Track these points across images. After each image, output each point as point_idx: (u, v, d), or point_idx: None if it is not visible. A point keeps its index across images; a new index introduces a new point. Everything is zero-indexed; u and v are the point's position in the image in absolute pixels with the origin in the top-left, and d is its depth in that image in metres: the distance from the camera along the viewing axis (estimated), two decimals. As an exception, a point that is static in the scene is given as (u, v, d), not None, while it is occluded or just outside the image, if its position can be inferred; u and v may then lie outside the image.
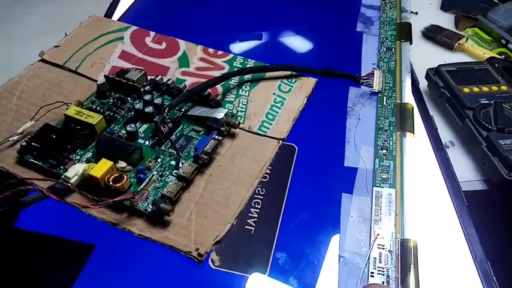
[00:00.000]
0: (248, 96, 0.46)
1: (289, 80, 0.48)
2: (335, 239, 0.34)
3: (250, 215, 0.36)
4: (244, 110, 0.44)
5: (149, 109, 0.41)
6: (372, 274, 0.32)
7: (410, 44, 0.53)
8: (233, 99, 0.45)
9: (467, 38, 0.56)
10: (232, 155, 0.40)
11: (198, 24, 0.58)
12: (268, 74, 0.48)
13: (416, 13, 0.62)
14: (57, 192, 0.34)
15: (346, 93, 0.47)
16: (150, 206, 0.34)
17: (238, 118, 0.43)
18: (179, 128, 0.41)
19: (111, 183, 0.34)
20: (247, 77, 0.48)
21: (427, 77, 0.49)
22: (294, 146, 0.41)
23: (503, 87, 0.45)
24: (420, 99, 0.47)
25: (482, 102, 0.43)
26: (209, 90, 0.44)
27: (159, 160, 0.38)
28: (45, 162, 0.37)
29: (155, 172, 0.37)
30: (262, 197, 0.37)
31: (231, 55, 0.51)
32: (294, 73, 0.48)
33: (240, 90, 0.46)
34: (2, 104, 0.44)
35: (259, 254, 0.33)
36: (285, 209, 0.36)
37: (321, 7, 0.61)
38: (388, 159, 0.39)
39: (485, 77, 0.47)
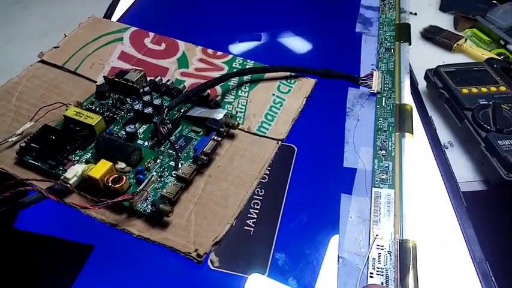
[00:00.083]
0: (247, 97, 0.46)
1: (289, 80, 0.48)
2: (334, 240, 0.34)
3: (249, 215, 0.36)
4: (243, 110, 0.44)
5: (148, 110, 0.41)
6: (371, 275, 0.32)
7: (410, 44, 0.53)
8: (232, 100, 0.45)
9: (466, 39, 0.57)
10: (232, 156, 0.40)
11: (198, 25, 0.58)
12: (268, 75, 0.48)
13: (416, 14, 0.62)
14: (57, 193, 0.34)
15: (345, 94, 0.47)
16: (149, 206, 0.34)
17: (238, 119, 0.43)
18: (178, 129, 0.41)
19: (110, 184, 0.34)
20: (246, 77, 0.48)
21: (426, 77, 0.49)
22: (293, 146, 0.41)
23: (502, 88, 0.45)
24: (419, 99, 0.48)
25: (481, 102, 0.43)
26: (208, 91, 0.44)
27: (158, 161, 0.38)
28: (44, 163, 0.37)
29: (154, 173, 0.37)
30: (261, 198, 0.37)
31: (230, 56, 0.51)
32: (293, 74, 0.49)
33: (239, 91, 0.47)
34: (1, 105, 0.44)
35: (258, 254, 0.33)
36: (284, 210, 0.36)
37: (320, 8, 0.61)
38: (387, 160, 0.39)
39: (484, 78, 0.47)
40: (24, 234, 0.35)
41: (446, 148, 0.44)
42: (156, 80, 0.45)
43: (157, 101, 0.42)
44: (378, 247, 0.33)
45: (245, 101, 0.45)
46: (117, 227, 0.34)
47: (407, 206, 0.36)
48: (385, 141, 0.41)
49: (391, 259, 0.32)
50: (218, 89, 0.47)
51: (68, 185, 0.34)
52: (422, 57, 0.54)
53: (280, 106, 0.45)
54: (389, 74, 0.49)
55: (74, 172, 0.35)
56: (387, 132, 0.42)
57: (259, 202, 0.37)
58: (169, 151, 0.39)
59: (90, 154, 0.38)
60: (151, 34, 0.54)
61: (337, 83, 0.49)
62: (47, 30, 0.61)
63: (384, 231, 0.34)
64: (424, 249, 0.33)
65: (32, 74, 0.48)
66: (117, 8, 0.61)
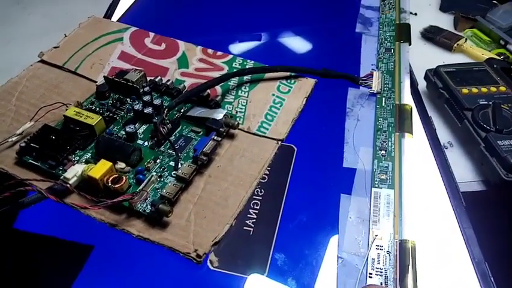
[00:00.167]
0: (247, 97, 0.46)
1: (288, 80, 0.48)
2: (333, 240, 0.34)
3: (249, 216, 0.36)
4: (243, 110, 0.44)
5: (148, 110, 0.41)
6: (370, 275, 0.32)
7: (410, 44, 0.53)
8: (232, 100, 0.45)
9: (466, 39, 0.57)
10: (231, 156, 0.40)
11: (198, 25, 0.58)
12: (268, 75, 0.48)
13: (416, 14, 0.62)
14: (56, 193, 0.34)
15: (345, 94, 0.47)
16: (149, 206, 0.34)
17: (238, 119, 0.43)
18: (178, 129, 0.41)
19: (110, 184, 0.34)
20: (246, 77, 0.48)
21: (426, 77, 0.49)
22: (293, 146, 0.41)
23: (502, 88, 0.45)
24: (419, 100, 0.48)
25: (480, 103, 0.43)
26: (208, 91, 0.44)
27: (158, 161, 0.38)
28: (44, 163, 0.37)
29: (154, 173, 0.37)
30: (261, 198, 0.37)
31: (231, 56, 0.51)
32: (293, 74, 0.49)
33: (239, 91, 0.47)
34: (1, 105, 0.44)
35: (258, 255, 0.33)
36: (284, 210, 0.36)
37: (320, 8, 0.61)
38: (386, 160, 0.39)
39: (484, 78, 0.47)
40: (24, 234, 0.35)
41: (446, 148, 0.44)
42: (156, 80, 0.45)
43: (157, 101, 0.42)
44: (377, 247, 0.33)
45: (245, 101, 0.45)
46: (116, 227, 0.34)
47: (407, 207, 0.36)
48: (385, 142, 0.41)
49: (390, 259, 0.32)
50: (218, 89, 0.47)
51: (68, 185, 0.34)
52: (422, 57, 0.54)
53: (280, 106, 0.45)
54: (389, 74, 0.49)
55: (73, 172, 0.35)
56: (387, 132, 0.42)
57: (259, 202, 0.37)
58: (169, 151, 0.39)
59: (90, 154, 0.39)
60: (152, 34, 0.54)
61: (337, 83, 0.49)
62: (47, 30, 0.61)
63: (383, 232, 0.34)
64: (423, 249, 0.33)
65: (32, 74, 0.48)
66: (117, 7, 0.61)
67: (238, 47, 0.54)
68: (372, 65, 0.51)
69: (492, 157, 0.39)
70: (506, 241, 0.36)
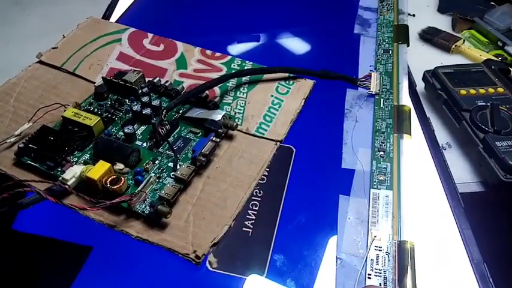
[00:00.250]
0: (246, 98, 0.46)
1: (287, 82, 0.48)
2: (332, 241, 0.34)
3: (247, 216, 0.36)
4: (242, 111, 0.44)
5: (147, 111, 0.41)
6: (369, 276, 0.32)
7: (408, 46, 0.53)
8: (231, 101, 0.45)
9: (464, 40, 0.57)
10: (230, 157, 0.40)
11: (196, 26, 0.58)
12: (266, 76, 0.48)
13: (414, 15, 0.62)
14: (55, 194, 0.34)
15: (343, 95, 0.47)
16: (147, 208, 0.34)
17: (236, 120, 0.43)
18: (177, 130, 0.41)
19: (108, 185, 0.34)
20: (245, 79, 0.48)
21: (424, 79, 0.49)
22: (292, 147, 0.41)
23: (500, 89, 0.45)
24: (417, 101, 0.48)
25: (479, 104, 0.43)
26: (207, 92, 0.44)
27: (156, 162, 0.38)
28: (42, 164, 0.37)
29: (153, 174, 0.37)
30: (259, 199, 0.37)
31: (229, 57, 0.51)
32: (291, 75, 0.49)
33: (238, 92, 0.47)
34: (0, 106, 0.44)
35: (256, 255, 0.33)
36: (283, 211, 0.36)
37: (319, 9, 0.61)
38: (385, 161, 0.40)
39: (482, 79, 0.47)
40: (22, 235, 0.35)
41: (444, 149, 0.44)
42: (155, 81, 0.45)
43: (155, 102, 0.42)
44: (376, 248, 0.33)
45: (244, 102, 0.45)
46: (115, 228, 0.34)
47: (406, 207, 0.36)
48: (383, 143, 0.41)
49: (389, 260, 0.33)
50: (217, 90, 0.47)
51: (66, 186, 0.34)
52: (421, 58, 0.54)
53: (279, 107, 0.45)
54: (387, 75, 0.49)
55: (72, 173, 0.35)
56: (385, 133, 0.42)
57: (258, 203, 0.37)
58: (167, 152, 0.39)
59: (88, 155, 0.38)
60: (150, 35, 0.54)
61: (336, 84, 0.49)
62: (46, 31, 0.61)
63: (382, 233, 0.34)
64: (422, 250, 0.33)
65: (30, 75, 0.48)
66: (116, 8, 0.61)
67: (236, 48, 0.54)
68: (370, 66, 0.51)
69: (490, 158, 0.39)
70: (504, 242, 0.36)
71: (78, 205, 0.34)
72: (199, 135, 0.41)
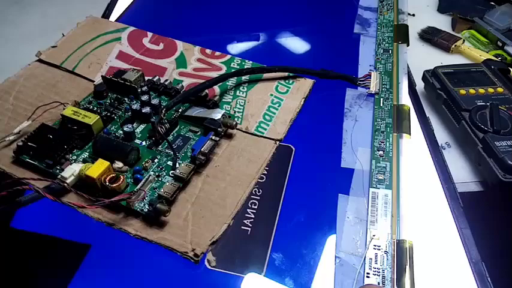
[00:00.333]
0: (245, 97, 0.46)
1: (287, 81, 0.48)
2: (331, 240, 0.34)
3: (246, 215, 0.36)
4: (241, 110, 0.44)
5: (146, 110, 0.41)
6: (368, 275, 0.32)
7: (408, 45, 0.53)
8: (230, 100, 0.45)
9: (463, 40, 0.57)
10: (229, 156, 0.40)
11: (196, 25, 0.58)
12: (266, 75, 0.48)
13: (414, 15, 0.62)
14: (53, 192, 0.34)
15: (343, 95, 0.47)
16: (146, 206, 0.34)
17: (236, 119, 0.43)
18: (176, 129, 0.41)
19: (107, 184, 0.34)
20: (244, 78, 0.48)
21: (424, 78, 0.49)
22: (291, 146, 0.41)
23: (500, 89, 0.45)
24: (417, 100, 0.48)
25: (478, 104, 0.43)
26: (206, 91, 0.44)
27: (156, 160, 0.38)
28: (41, 162, 0.37)
29: (152, 172, 0.37)
30: (259, 198, 0.37)
31: (229, 56, 0.51)
32: (291, 74, 0.49)
33: (238, 91, 0.47)
34: (-1, 104, 0.44)
35: (255, 254, 0.33)
36: (282, 210, 0.36)
37: (319, 9, 0.61)
38: (384, 161, 0.40)
39: (482, 79, 0.47)
40: (21, 233, 0.35)
41: (444, 149, 0.44)
42: (154, 79, 0.45)
43: (155, 101, 0.42)
44: (375, 247, 0.33)
45: (243, 101, 0.45)
46: (114, 227, 0.34)
47: (405, 207, 0.36)
48: (383, 142, 0.41)
49: (387, 259, 0.33)
50: (216, 89, 0.47)
51: (65, 184, 0.34)
52: (420, 58, 0.55)
53: (278, 106, 0.45)
54: (387, 74, 0.49)
55: (71, 171, 0.35)
56: (385, 132, 0.42)
57: (257, 202, 0.37)
58: (167, 151, 0.39)
59: (87, 153, 0.38)
60: (150, 34, 0.54)
61: (335, 84, 0.49)
62: (45, 30, 0.61)
63: (381, 232, 0.34)
64: (420, 249, 0.33)
65: (29, 73, 0.48)
66: (116, 7, 0.61)
67: (236, 47, 0.54)
68: (370, 65, 0.51)
69: (489, 158, 0.39)
70: (503, 241, 0.36)
71: (77, 203, 0.33)
72: (198, 134, 0.41)
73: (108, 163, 0.35)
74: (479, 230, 0.35)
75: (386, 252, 0.33)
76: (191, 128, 0.41)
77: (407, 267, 0.32)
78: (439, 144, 0.43)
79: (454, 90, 0.45)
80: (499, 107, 0.43)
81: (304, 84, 0.48)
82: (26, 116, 0.42)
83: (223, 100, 0.45)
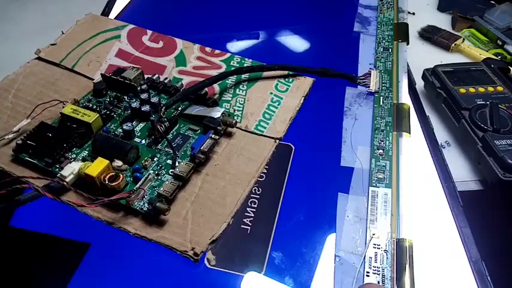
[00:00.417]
0: (245, 95, 0.46)
1: (286, 79, 0.48)
2: (331, 239, 0.34)
3: (246, 214, 0.36)
4: (241, 109, 0.44)
5: (146, 108, 0.41)
6: (368, 273, 0.32)
7: (407, 44, 0.53)
8: (230, 99, 0.45)
9: (463, 39, 0.57)
10: (229, 154, 0.40)
11: (196, 23, 0.58)
12: (266, 74, 0.48)
13: (414, 13, 0.62)
14: (53, 191, 0.34)
15: (343, 93, 0.47)
16: (146, 205, 0.34)
17: (235, 117, 0.43)
18: (176, 127, 0.41)
19: (107, 182, 0.34)
20: (244, 76, 0.48)
21: (424, 77, 0.49)
22: (291, 145, 0.41)
23: (499, 88, 0.45)
24: (416, 99, 0.48)
25: (478, 102, 0.43)
26: (206, 89, 0.44)
27: (155, 159, 0.38)
28: (40, 160, 0.37)
29: (151, 171, 0.37)
30: (258, 197, 0.37)
31: (228, 54, 0.51)
32: (291, 73, 0.48)
33: (237, 90, 0.46)
34: (-2, 102, 0.44)
35: (255, 253, 0.33)
36: (281, 209, 0.36)
37: (319, 7, 0.61)
38: (384, 159, 0.40)
39: (482, 78, 0.47)
40: (20, 232, 0.35)
41: (444, 148, 0.44)
42: (154, 78, 0.45)
43: (154, 99, 0.41)
44: (375, 246, 0.33)
45: (243, 100, 0.45)
46: (113, 225, 0.34)
47: (404, 205, 0.36)
48: (383, 141, 0.41)
49: (387, 258, 0.33)
50: (216, 87, 0.47)
51: (65, 183, 0.34)
52: (420, 56, 0.54)
53: (278, 105, 0.45)
54: (387, 73, 0.49)
55: (70, 170, 0.35)
56: (385, 131, 0.42)
57: (256, 201, 0.37)
58: (166, 149, 0.39)
59: (86, 152, 0.38)
60: (149, 32, 0.54)
61: (335, 82, 0.49)
62: (44, 27, 0.60)
63: (381, 230, 0.34)
64: (420, 248, 0.33)
65: (28, 71, 0.48)
66: (115, 5, 0.61)
67: (236, 46, 0.54)
68: (370, 64, 0.51)
69: (489, 157, 0.39)
70: (503, 240, 0.36)
71: (77, 202, 0.33)
72: (198, 132, 0.41)
73: (107, 162, 0.35)
74: (479, 228, 0.35)
75: (386, 251, 0.33)
76: (191, 126, 0.41)
77: (407, 266, 0.32)
78: (439, 143, 0.43)
79: (454, 89, 0.45)
80: (499, 105, 0.43)
81: (304, 83, 0.48)
82: (25, 114, 0.42)
83: (223, 98, 0.45)
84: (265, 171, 0.39)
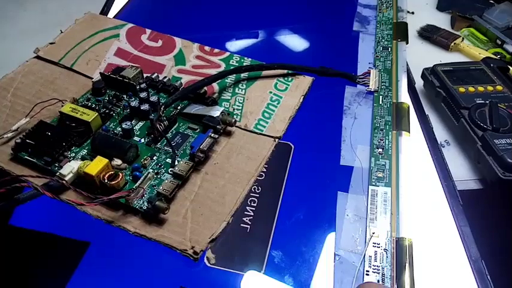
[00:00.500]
0: (244, 94, 0.46)
1: (286, 78, 0.48)
2: (331, 237, 0.34)
3: (246, 213, 0.36)
4: (240, 108, 0.44)
5: (145, 107, 0.41)
6: (367, 272, 0.32)
7: (407, 43, 0.53)
8: (229, 98, 0.45)
9: (463, 38, 0.57)
10: (228, 153, 0.40)
11: (195, 22, 0.58)
12: (265, 73, 0.48)
13: (413, 13, 0.62)
14: (52, 190, 0.34)
15: (342, 92, 0.47)
16: (145, 203, 0.34)
17: (235, 116, 0.43)
18: (175, 126, 0.41)
19: (106, 181, 0.34)
20: (243, 75, 0.48)
21: (423, 76, 0.49)
22: (290, 144, 0.41)
23: (499, 87, 0.45)
24: (416, 98, 0.48)
25: (477, 102, 0.43)
26: (205, 88, 0.43)
27: (154, 158, 0.38)
28: (40, 159, 0.37)
29: (151, 170, 0.37)
30: (258, 195, 0.37)
31: (228, 53, 0.51)
32: (290, 72, 0.48)
33: (237, 89, 0.46)
34: (-3, 101, 0.44)
35: (255, 252, 0.33)
36: (281, 207, 0.36)
37: (318, 6, 0.61)
38: (383, 158, 0.40)
39: (481, 77, 0.47)
40: (19, 231, 0.34)
41: (443, 147, 0.44)
42: (153, 76, 0.45)
43: (153, 98, 0.41)
44: (374, 245, 0.33)
45: (242, 99, 0.45)
46: (113, 224, 0.34)
47: (404, 204, 0.36)
48: (382, 140, 0.41)
49: (387, 257, 0.33)
50: (215, 86, 0.46)
51: (64, 182, 0.34)
52: (420, 56, 0.55)
53: (278, 104, 0.45)
54: (386, 72, 0.49)
55: (69, 169, 0.35)
56: (384, 130, 0.42)
57: (256, 200, 0.37)
58: (165, 148, 0.39)
59: (86, 151, 0.38)
60: (148, 31, 0.54)
61: (335, 81, 0.49)
62: (43, 26, 0.60)
63: (380, 229, 0.34)
64: (420, 247, 0.33)
65: (27, 70, 0.48)
66: (114, 4, 0.61)
67: (235, 45, 0.54)
68: (369, 63, 0.51)
69: (489, 156, 0.39)
70: (502, 239, 0.36)
71: (76, 201, 0.33)
72: (197, 131, 0.41)
73: (106, 160, 0.35)
74: (479, 227, 0.35)
75: (385, 250, 0.33)
76: (190, 125, 0.41)
77: (407, 265, 0.32)
78: (439, 142, 0.43)
79: (453, 88, 0.45)
80: (498, 105, 0.43)
81: (303, 82, 0.48)
82: (24, 113, 0.41)
83: (222, 97, 0.45)
84: (265, 170, 0.39)
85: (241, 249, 0.33)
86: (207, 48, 0.52)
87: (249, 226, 0.35)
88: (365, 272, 0.32)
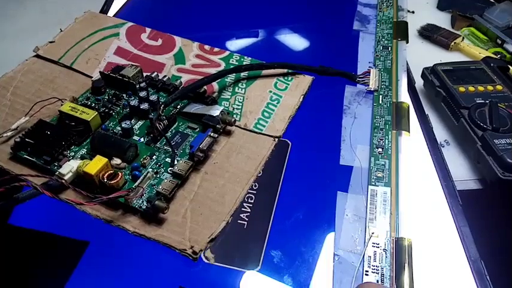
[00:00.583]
0: (244, 93, 0.46)
1: (286, 77, 0.48)
2: (330, 237, 0.34)
3: (243, 209, 0.36)
4: (240, 107, 0.44)
5: (144, 106, 0.41)
6: (367, 272, 0.32)
7: (407, 42, 0.53)
8: (229, 97, 0.45)
9: (463, 38, 0.57)
10: (228, 153, 0.40)
11: (195, 21, 0.58)
12: (265, 72, 0.48)
13: (413, 12, 0.62)
14: (51, 189, 0.34)
15: (342, 92, 0.47)
16: (144, 203, 0.34)
17: (234, 116, 0.43)
18: (174, 125, 0.41)
19: (105, 180, 0.34)
20: (243, 74, 0.48)
21: (423, 76, 0.49)
22: (287, 141, 0.41)
23: (499, 87, 0.45)
24: (416, 98, 0.48)
25: (477, 101, 0.43)
26: (205, 87, 0.43)
27: (154, 157, 0.38)
28: (39, 158, 0.37)
29: (150, 169, 0.37)
30: (255, 192, 0.37)
31: (228, 52, 0.51)
32: (290, 71, 0.48)
33: (236, 88, 0.46)
34: (-4, 100, 0.44)
35: (254, 252, 0.33)
36: (280, 207, 0.36)
37: (318, 5, 0.61)
38: (383, 158, 0.39)
39: (481, 77, 0.47)
40: (19, 229, 0.34)
41: (443, 146, 0.44)
42: (153, 75, 0.45)
43: (153, 97, 0.41)
44: (374, 245, 0.33)
45: (242, 98, 0.45)
46: (112, 224, 0.34)
47: (403, 204, 0.36)
48: (382, 139, 0.41)
49: (386, 257, 0.32)
50: (215, 85, 0.46)
51: (63, 181, 0.34)
52: (420, 55, 0.54)
53: (277, 103, 0.45)
54: (386, 72, 0.49)
55: (68, 168, 0.35)
56: (384, 130, 0.42)
57: (253, 196, 0.37)
58: (165, 147, 0.39)
59: (85, 150, 0.38)
60: (148, 29, 0.54)
61: (334, 81, 0.49)
62: (43, 25, 0.60)
63: (380, 229, 0.34)
64: (419, 247, 0.33)
65: (27, 69, 0.48)
66: (114, 3, 0.61)
67: (235, 44, 0.54)
68: (369, 62, 0.51)
69: (488, 156, 0.39)
70: (502, 239, 0.36)
71: (75, 200, 0.33)
72: (197, 130, 0.41)
73: (106, 160, 0.35)
74: (478, 228, 0.35)
75: (385, 250, 0.33)
76: (189, 124, 0.41)
77: (406, 265, 0.32)
78: (438, 142, 0.43)
79: (453, 88, 0.45)
80: (498, 104, 0.43)
81: (303, 81, 0.48)
82: (24, 111, 0.41)
83: (222, 97, 0.45)
84: (262, 166, 0.39)
85: (240, 250, 0.33)
86: (206, 47, 0.52)
87: (246, 222, 0.35)
88: (364, 272, 0.32)
